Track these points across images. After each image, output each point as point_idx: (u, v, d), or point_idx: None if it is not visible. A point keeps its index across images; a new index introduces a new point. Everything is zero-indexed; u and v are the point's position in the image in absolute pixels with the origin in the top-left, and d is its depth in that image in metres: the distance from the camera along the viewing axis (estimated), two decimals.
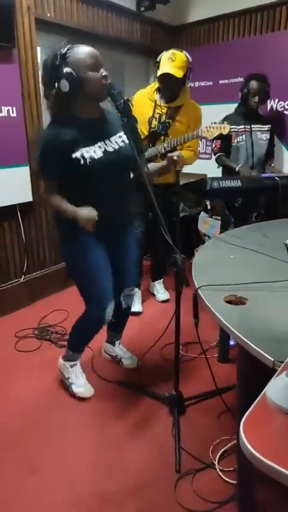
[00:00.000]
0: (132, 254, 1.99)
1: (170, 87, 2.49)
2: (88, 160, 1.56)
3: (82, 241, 1.72)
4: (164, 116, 2.55)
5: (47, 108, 1.64)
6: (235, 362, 2.13)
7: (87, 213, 1.62)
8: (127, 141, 1.61)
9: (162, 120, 2.54)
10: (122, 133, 1.68)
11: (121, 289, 1.98)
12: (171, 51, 2.43)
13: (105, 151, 1.62)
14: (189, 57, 2.45)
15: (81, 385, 1.94)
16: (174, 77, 2.37)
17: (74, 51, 1.51)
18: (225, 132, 2.25)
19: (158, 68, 2.48)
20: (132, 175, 1.85)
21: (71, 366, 1.98)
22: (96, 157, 1.59)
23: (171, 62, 2.39)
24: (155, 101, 2.57)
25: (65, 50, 1.50)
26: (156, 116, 2.56)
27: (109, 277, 1.82)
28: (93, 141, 1.60)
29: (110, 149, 1.64)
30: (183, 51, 2.45)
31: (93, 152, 1.58)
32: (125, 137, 1.66)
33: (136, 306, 2.84)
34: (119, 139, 1.67)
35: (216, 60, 3.65)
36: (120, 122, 1.56)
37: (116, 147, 1.65)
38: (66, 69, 1.48)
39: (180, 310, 1.75)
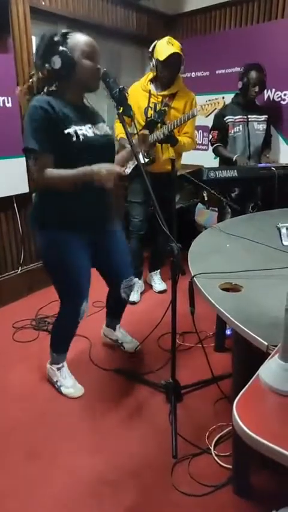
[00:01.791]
0: (120, 244, 1.93)
1: (173, 70, 2.50)
2: (81, 138, 1.53)
3: (61, 235, 1.67)
4: (159, 105, 2.56)
5: (35, 82, 1.55)
6: (231, 351, 2.16)
7: (107, 167, 1.49)
8: (110, 132, 1.67)
9: (157, 109, 2.55)
10: (105, 125, 1.70)
11: (120, 281, 1.96)
12: (167, 37, 2.46)
13: (95, 134, 1.61)
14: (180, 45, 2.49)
15: (70, 386, 1.95)
16: (179, 56, 2.41)
17: (76, 35, 1.52)
18: (219, 106, 2.27)
19: (153, 56, 2.49)
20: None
21: (58, 369, 1.97)
22: (88, 135, 1.57)
23: (171, 45, 2.43)
24: (149, 90, 2.58)
25: (66, 31, 1.53)
26: (152, 105, 2.58)
27: (86, 274, 1.78)
28: (83, 121, 1.58)
29: (99, 133, 1.63)
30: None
31: (85, 131, 1.56)
32: (108, 128, 1.70)
33: (134, 296, 2.86)
34: (106, 127, 1.69)
35: (212, 50, 3.63)
36: (102, 118, 1.61)
37: (102, 133, 1.65)
38: (63, 48, 1.48)
39: (176, 299, 1.76)
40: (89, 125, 1.60)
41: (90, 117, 1.65)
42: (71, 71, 1.51)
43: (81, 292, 1.77)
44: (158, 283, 3.10)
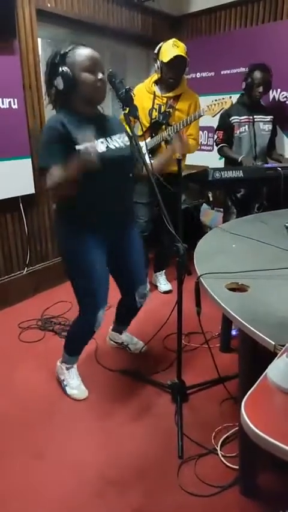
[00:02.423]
0: (138, 251, 1.95)
1: (177, 72, 2.52)
2: None
3: (82, 243, 1.70)
4: (163, 106, 2.57)
5: (48, 104, 1.67)
6: (237, 352, 2.15)
7: (84, 146, 1.43)
8: (128, 143, 1.64)
9: (162, 110, 2.56)
10: (123, 135, 1.69)
11: (135, 288, 1.96)
12: (173, 39, 2.47)
13: (108, 148, 1.60)
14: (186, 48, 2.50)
15: (75, 387, 1.95)
16: (183, 59, 2.43)
17: (74, 52, 1.54)
18: (226, 106, 2.26)
19: (158, 58, 2.51)
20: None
21: (67, 369, 1.98)
22: (99, 151, 1.55)
23: (177, 48, 2.44)
24: (154, 92, 2.59)
25: (66, 50, 1.54)
26: (156, 106, 2.59)
27: (106, 282, 1.80)
28: (95, 136, 1.56)
29: (113, 146, 1.62)
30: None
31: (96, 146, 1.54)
32: (126, 139, 1.68)
33: None
34: (120, 140, 1.66)
35: (217, 50, 3.63)
36: (124, 128, 1.60)
37: (118, 145, 1.64)
38: (63, 68, 1.51)
39: (182, 298, 1.77)
40: (102, 139, 1.59)
41: (104, 129, 1.64)
42: (73, 89, 1.54)
43: (98, 300, 1.77)
44: (164, 283, 3.11)
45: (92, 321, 1.79)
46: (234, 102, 3.00)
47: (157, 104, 2.58)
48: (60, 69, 1.51)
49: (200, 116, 2.35)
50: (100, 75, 1.54)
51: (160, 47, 2.50)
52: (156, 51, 2.52)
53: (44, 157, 1.58)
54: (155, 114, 2.57)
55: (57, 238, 1.83)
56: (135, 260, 1.94)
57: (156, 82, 2.61)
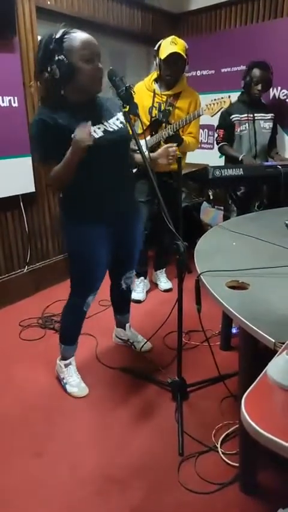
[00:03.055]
0: (138, 239, 2.00)
1: (175, 70, 2.51)
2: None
3: (85, 234, 1.72)
4: (163, 104, 2.56)
5: (37, 91, 1.61)
6: (237, 350, 2.15)
7: (77, 130, 1.45)
8: (124, 123, 1.63)
9: (162, 108, 2.55)
10: (119, 115, 1.66)
11: (123, 273, 2.05)
12: (172, 36, 2.47)
13: (105, 131, 1.60)
14: (186, 45, 2.49)
15: (75, 385, 1.96)
16: (180, 57, 2.42)
17: (71, 37, 1.45)
18: (225, 105, 2.26)
19: (157, 55, 2.50)
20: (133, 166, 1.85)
21: (65, 366, 1.99)
22: (97, 136, 1.55)
23: (174, 45, 2.43)
24: (154, 90, 2.58)
25: (62, 34, 1.45)
26: (156, 105, 2.58)
27: (103, 271, 1.87)
28: (92, 123, 1.54)
29: (110, 129, 1.61)
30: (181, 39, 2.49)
31: (93, 132, 1.54)
32: (122, 119, 1.66)
33: (140, 294, 2.88)
34: (117, 121, 1.65)
35: (218, 48, 3.62)
36: (119, 106, 1.56)
37: (116, 128, 1.63)
38: (59, 56, 1.43)
39: (182, 296, 1.77)
40: (98, 125, 1.58)
41: (99, 114, 1.62)
42: (70, 78, 1.48)
43: (93, 286, 1.84)
44: (164, 281, 3.11)
45: (81, 303, 1.85)
46: (234, 101, 2.99)
47: (157, 102, 2.58)
48: (56, 57, 1.43)
49: (199, 115, 2.35)
50: (98, 64, 1.48)
51: (160, 44, 2.49)
52: (156, 48, 2.52)
53: (36, 154, 1.60)
54: (155, 112, 2.57)
55: (62, 222, 1.83)
56: (132, 250, 2.00)
57: (156, 80, 2.61)
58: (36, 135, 1.57)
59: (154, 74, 2.61)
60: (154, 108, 2.57)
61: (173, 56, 2.41)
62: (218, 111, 2.28)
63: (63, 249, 3.13)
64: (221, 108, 2.27)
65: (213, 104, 2.23)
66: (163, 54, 2.43)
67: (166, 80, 2.55)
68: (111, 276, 2.09)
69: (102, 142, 1.55)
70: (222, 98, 2.24)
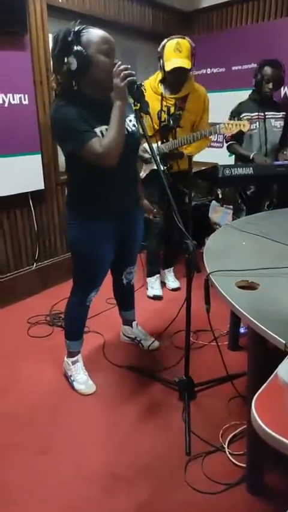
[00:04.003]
0: (139, 236, 2.02)
1: (179, 80, 2.46)
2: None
3: (91, 235, 1.74)
4: (172, 108, 2.52)
5: (53, 83, 1.58)
6: (245, 350, 2.14)
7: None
8: (137, 126, 1.62)
9: (171, 113, 2.52)
10: (131, 117, 1.66)
11: (123, 269, 2.07)
12: (176, 40, 2.37)
13: None
14: (192, 43, 2.41)
15: (82, 382, 1.97)
16: (184, 69, 2.36)
17: (89, 31, 1.48)
18: (245, 129, 2.28)
19: (161, 57, 2.43)
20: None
21: (73, 363, 2.00)
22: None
23: (179, 53, 2.34)
24: (161, 93, 2.52)
25: (80, 28, 1.47)
26: (165, 108, 2.52)
27: (107, 268, 1.90)
28: (101, 122, 1.55)
29: (124, 131, 1.60)
30: (186, 38, 2.41)
31: (98, 132, 1.54)
32: (134, 121, 1.66)
33: (157, 290, 2.96)
34: (130, 123, 1.65)
35: (229, 46, 3.59)
36: (132, 107, 1.55)
37: (129, 129, 1.63)
38: (77, 47, 1.44)
39: (191, 295, 1.76)
40: (106, 126, 1.55)
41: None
42: (86, 70, 1.48)
43: (96, 283, 1.87)
44: (172, 280, 3.10)
45: (84, 299, 1.89)
46: (245, 99, 2.97)
47: (165, 105, 2.52)
48: (75, 48, 1.43)
49: (216, 133, 2.37)
50: (116, 61, 1.49)
51: (164, 46, 2.40)
52: (159, 50, 2.43)
53: (74, 138, 1.50)
54: (164, 116, 2.52)
55: (68, 227, 1.80)
56: (133, 246, 2.02)
57: (161, 81, 2.54)
58: (66, 118, 1.50)
59: (159, 75, 2.54)
60: (163, 112, 2.52)
61: (176, 70, 2.35)
62: (235, 132, 2.31)
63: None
64: (239, 131, 2.33)
65: (232, 125, 2.25)
66: (167, 66, 2.36)
67: (171, 85, 2.50)
68: (112, 272, 2.11)
69: None
70: (242, 122, 2.32)
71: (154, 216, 2.00)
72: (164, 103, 2.53)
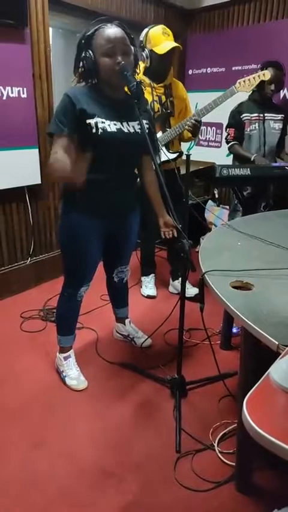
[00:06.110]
0: (133, 238, 2.02)
1: (168, 66, 2.46)
2: (100, 131, 1.56)
3: (82, 227, 1.74)
4: (163, 97, 2.52)
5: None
6: (237, 349, 2.16)
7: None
8: (145, 131, 1.57)
9: (163, 101, 2.51)
10: (143, 121, 1.66)
11: (114, 267, 2.08)
12: (160, 26, 2.36)
13: (119, 129, 1.61)
14: None
15: (74, 377, 1.97)
16: (177, 50, 2.37)
17: (99, 34, 1.53)
18: (266, 78, 2.26)
19: (146, 45, 2.37)
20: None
21: (65, 359, 2.00)
22: (108, 130, 1.58)
23: (167, 36, 2.35)
24: (150, 84, 2.48)
25: (93, 31, 1.54)
26: (156, 98, 2.51)
27: (95, 263, 1.89)
28: (109, 117, 1.59)
29: (125, 130, 1.63)
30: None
31: (107, 125, 1.58)
32: (145, 126, 1.62)
33: (151, 290, 2.95)
34: (137, 126, 1.65)
35: (229, 46, 3.59)
36: (149, 113, 1.62)
37: (132, 130, 1.64)
38: (86, 53, 1.53)
39: (185, 294, 1.77)
40: (115, 121, 1.60)
41: (123, 113, 1.64)
42: (95, 71, 1.56)
43: (84, 277, 1.87)
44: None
45: (74, 294, 1.89)
46: (245, 99, 2.98)
47: (156, 95, 2.50)
48: (84, 53, 1.54)
49: (233, 94, 2.34)
50: (118, 58, 1.51)
51: (147, 33, 2.35)
52: (142, 38, 2.37)
53: (51, 125, 1.61)
54: (157, 106, 2.50)
55: (59, 220, 1.83)
56: (123, 247, 2.02)
57: (144, 73, 2.47)
58: (58, 108, 1.60)
59: (141, 65, 2.43)
60: (156, 102, 2.50)
61: (170, 51, 2.32)
62: (255, 85, 2.30)
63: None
64: (260, 81, 2.29)
65: (249, 80, 2.23)
66: (160, 50, 2.31)
67: (159, 72, 2.45)
68: (105, 270, 2.12)
69: (108, 138, 1.57)
70: (261, 72, 2.28)
71: (172, 235, 1.94)
72: (155, 93, 2.50)
